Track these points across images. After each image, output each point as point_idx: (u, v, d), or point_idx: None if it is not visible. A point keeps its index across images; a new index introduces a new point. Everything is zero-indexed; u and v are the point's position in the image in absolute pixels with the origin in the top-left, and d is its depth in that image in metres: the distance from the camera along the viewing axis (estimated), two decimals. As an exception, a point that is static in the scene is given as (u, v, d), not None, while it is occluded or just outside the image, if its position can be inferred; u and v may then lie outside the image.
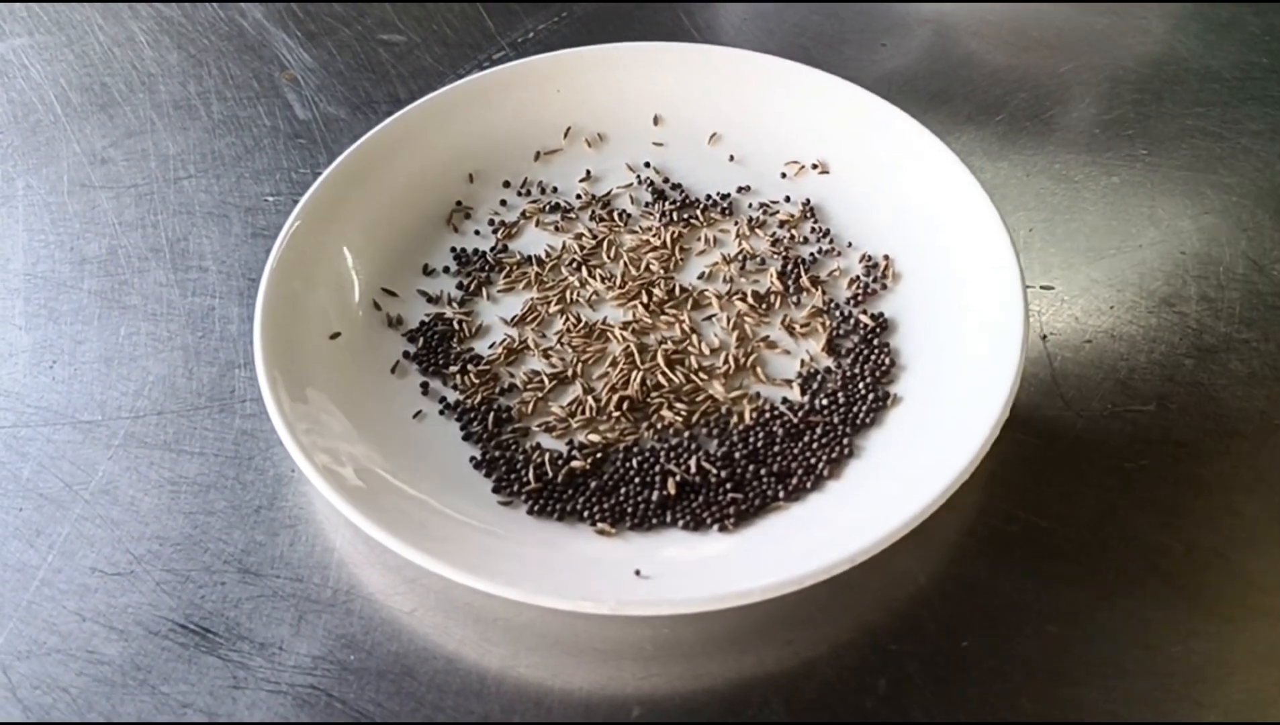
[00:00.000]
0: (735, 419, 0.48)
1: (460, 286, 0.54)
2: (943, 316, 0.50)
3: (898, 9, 0.68)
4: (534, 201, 0.57)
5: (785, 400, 0.49)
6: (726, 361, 0.50)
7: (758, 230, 0.55)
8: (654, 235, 0.55)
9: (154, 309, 0.54)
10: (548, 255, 0.55)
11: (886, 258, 0.53)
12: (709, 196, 0.57)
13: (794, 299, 0.53)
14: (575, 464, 0.46)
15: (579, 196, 0.57)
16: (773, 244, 0.55)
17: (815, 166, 0.57)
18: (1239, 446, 0.48)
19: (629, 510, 0.45)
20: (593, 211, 0.57)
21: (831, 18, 0.68)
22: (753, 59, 0.59)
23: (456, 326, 0.52)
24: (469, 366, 0.50)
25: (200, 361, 0.52)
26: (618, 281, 0.53)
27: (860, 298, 0.52)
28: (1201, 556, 0.44)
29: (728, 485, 0.45)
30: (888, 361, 0.49)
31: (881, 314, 0.51)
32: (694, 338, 0.51)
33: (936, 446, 0.44)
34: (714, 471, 0.46)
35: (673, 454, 0.47)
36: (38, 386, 0.51)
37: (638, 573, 0.42)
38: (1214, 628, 0.42)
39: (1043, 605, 0.43)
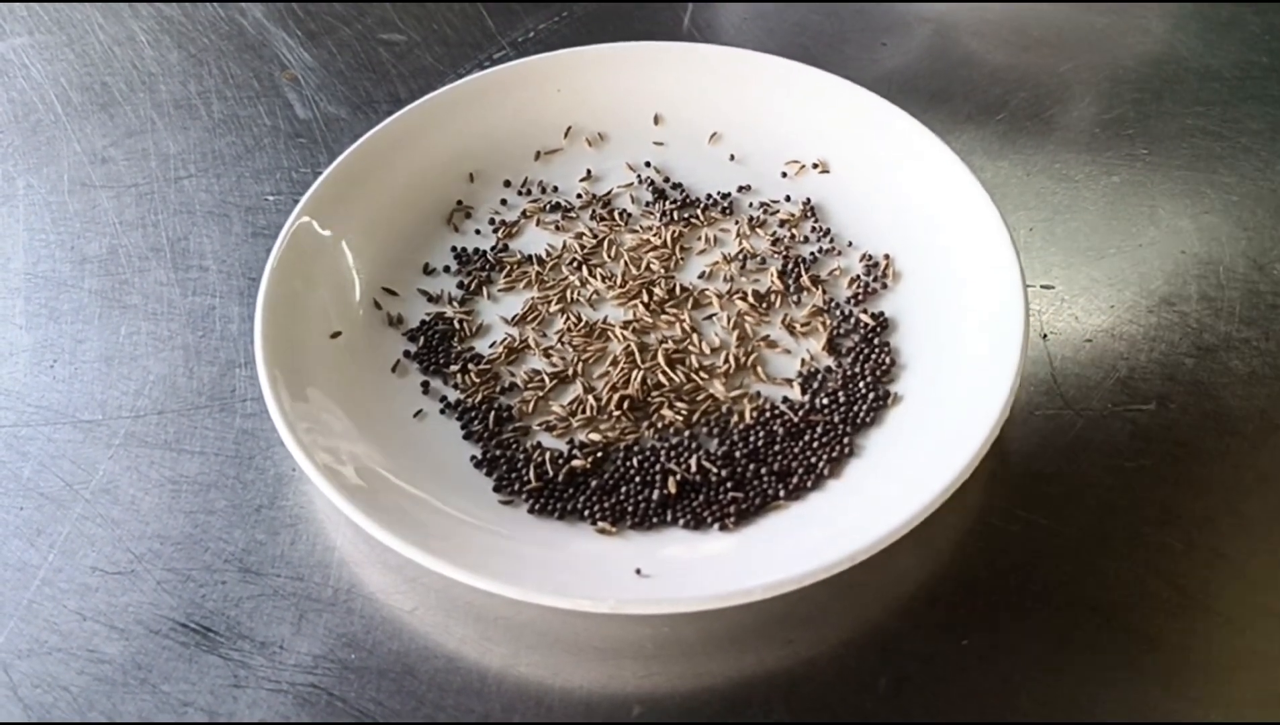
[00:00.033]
0: (736, 418, 0.48)
1: (461, 286, 0.54)
2: (943, 316, 0.50)
3: (898, 8, 0.68)
4: (534, 201, 0.57)
5: (786, 399, 0.49)
6: (727, 361, 0.50)
7: (758, 229, 0.55)
8: (654, 234, 0.55)
9: (154, 308, 0.54)
10: (548, 254, 0.55)
11: (887, 257, 0.53)
12: (709, 196, 0.57)
13: (794, 298, 0.53)
14: (576, 463, 0.46)
15: (579, 196, 0.57)
16: (773, 243, 0.55)
17: (815, 166, 0.57)
18: (1239, 446, 0.48)
19: (629, 509, 0.45)
20: (593, 211, 0.57)
21: (831, 17, 0.68)
22: (753, 58, 0.59)
23: (457, 326, 0.52)
24: (470, 365, 0.50)
25: (201, 361, 0.52)
26: (618, 281, 0.53)
27: (860, 297, 0.52)
28: (1202, 555, 0.44)
29: (728, 484, 0.45)
30: (888, 361, 0.49)
31: (882, 313, 0.51)
32: (694, 337, 0.51)
33: (937, 445, 0.44)
34: (714, 470, 0.46)
35: (673, 453, 0.47)
36: (38, 386, 0.51)
37: (638, 571, 0.42)
38: (1214, 627, 0.42)
39: (1043, 605, 0.43)
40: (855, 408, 0.48)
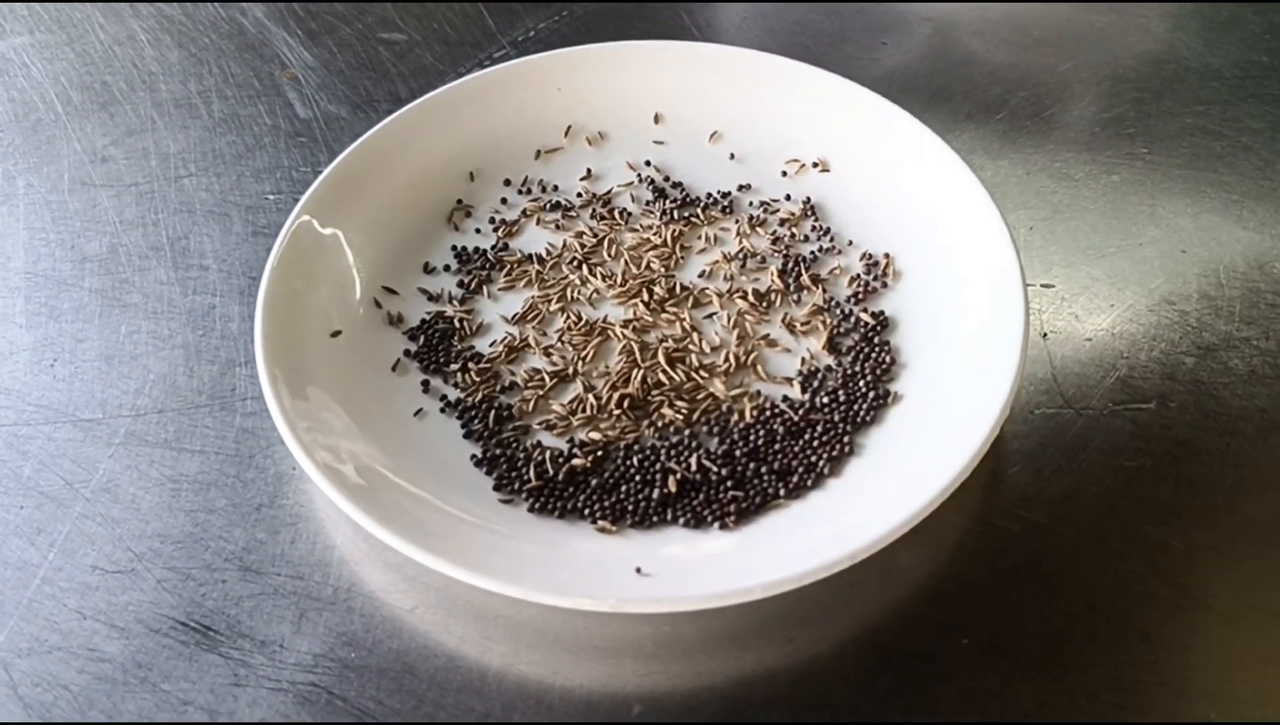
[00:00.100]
0: (736, 417, 0.48)
1: (461, 284, 0.54)
2: (943, 315, 0.50)
3: (898, 8, 0.68)
4: (535, 200, 0.57)
5: (786, 398, 0.49)
6: (727, 359, 0.50)
7: (758, 228, 0.55)
8: (654, 233, 0.55)
9: (155, 307, 0.54)
10: (548, 253, 0.55)
11: (887, 256, 0.53)
12: (709, 195, 0.57)
13: (794, 297, 0.53)
14: (576, 462, 0.46)
15: (579, 195, 0.57)
16: (773, 242, 0.55)
17: (816, 165, 0.57)
18: (1239, 445, 0.48)
19: (630, 508, 0.45)
20: (593, 210, 0.57)
21: (831, 16, 0.68)
22: (753, 57, 0.59)
23: (457, 324, 0.52)
24: (470, 364, 0.50)
25: (201, 360, 0.52)
26: (618, 280, 0.53)
27: (861, 296, 0.52)
28: (1201, 555, 0.44)
29: (728, 483, 0.45)
30: (888, 359, 0.49)
31: (882, 312, 0.51)
32: (695, 336, 0.51)
33: (937, 444, 0.44)
34: (715, 469, 0.46)
35: (673, 452, 0.47)
36: (38, 384, 0.51)
37: (638, 570, 0.42)
38: (1214, 626, 0.42)
39: (1043, 604, 0.43)
40: (855, 406, 0.48)
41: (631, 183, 0.58)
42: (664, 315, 0.52)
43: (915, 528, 0.41)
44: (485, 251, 0.55)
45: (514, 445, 0.48)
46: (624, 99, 0.59)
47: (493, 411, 0.49)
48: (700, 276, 0.54)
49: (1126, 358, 0.51)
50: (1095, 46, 0.65)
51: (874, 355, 0.49)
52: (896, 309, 0.51)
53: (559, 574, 0.42)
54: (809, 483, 0.45)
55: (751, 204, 0.57)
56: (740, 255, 0.54)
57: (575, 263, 0.54)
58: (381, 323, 0.52)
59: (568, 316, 0.52)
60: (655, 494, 0.45)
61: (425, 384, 0.50)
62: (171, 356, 0.52)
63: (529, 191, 0.58)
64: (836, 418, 0.47)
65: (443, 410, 0.49)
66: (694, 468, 0.46)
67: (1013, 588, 0.44)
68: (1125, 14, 0.67)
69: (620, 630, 0.43)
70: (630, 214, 0.56)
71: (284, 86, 0.64)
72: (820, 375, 0.49)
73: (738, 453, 0.47)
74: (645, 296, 0.53)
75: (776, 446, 0.47)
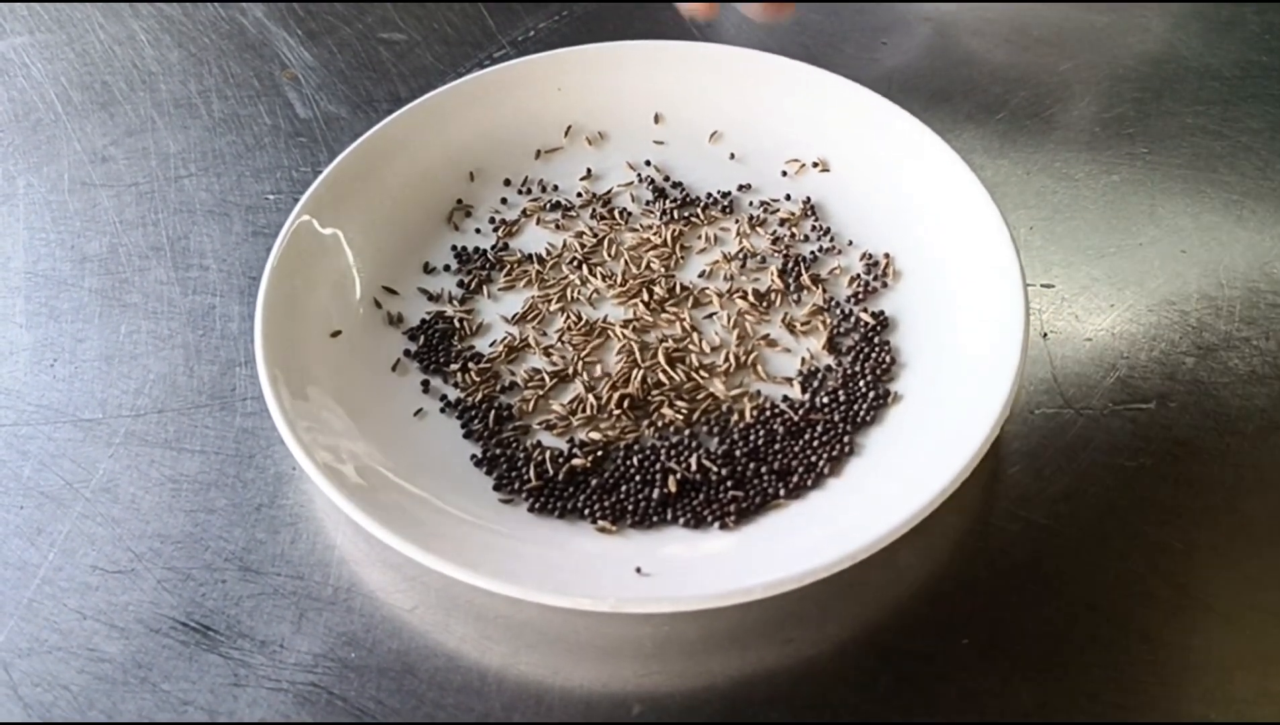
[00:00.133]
0: (736, 417, 0.48)
1: (461, 284, 0.54)
2: (943, 315, 0.50)
3: (898, 7, 0.68)
4: (534, 200, 0.57)
5: (786, 398, 0.49)
6: (727, 359, 0.50)
7: (758, 228, 0.55)
8: (654, 233, 0.55)
9: (155, 307, 0.54)
10: (548, 253, 0.55)
11: (887, 256, 0.53)
12: (709, 195, 0.57)
13: (794, 297, 0.53)
14: (576, 462, 0.46)
15: (579, 195, 0.57)
16: (773, 242, 0.55)
17: (816, 165, 0.57)
18: (1239, 445, 0.48)
19: (630, 508, 0.45)
20: (593, 210, 0.57)
21: (831, 16, 0.68)
22: (753, 57, 0.59)
23: (457, 324, 0.52)
24: (470, 364, 0.50)
25: (201, 359, 0.52)
26: (618, 279, 0.53)
27: (861, 296, 0.52)
28: (1201, 555, 0.44)
29: (728, 483, 0.45)
30: (888, 359, 0.49)
31: (882, 312, 0.51)
32: (695, 336, 0.51)
33: (937, 444, 0.44)
34: (715, 469, 0.46)
35: (673, 452, 0.47)
36: (38, 385, 0.51)
37: (638, 570, 0.42)
38: (1214, 626, 0.42)
39: (1043, 604, 0.43)
40: (855, 406, 0.48)
41: (631, 182, 0.58)
42: (664, 315, 0.52)
43: (915, 528, 0.41)
44: (485, 251, 0.55)
45: (514, 445, 0.48)
46: (624, 99, 0.59)
47: (493, 411, 0.49)
48: (700, 276, 0.54)
49: (1126, 358, 0.50)
50: (1095, 46, 0.65)
51: (874, 355, 0.49)
52: (896, 309, 0.51)
53: (559, 574, 0.42)
54: (809, 483, 0.45)
55: (751, 204, 0.57)
56: (740, 255, 0.54)
57: (575, 263, 0.54)
58: (381, 323, 0.52)
59: (568, 316, 0.52)
60: (655, 494, 0.45)
61: (425, 384, 0.50)
62: (171, 356, 0.52)
63: (529, 191, 0.58)
64: (836, 418, 0.47)
65: (443, 410, 0.49)
66: (694, 468, 0.46)
67: (1013, 588, 0.44)
68: (1125, 14, 0.67)
69: (620, 630, 0.43)
70: (630, 214, 0.56)
71: (284, 86, 0.64)
72: (820, 375, 0.49)
73: (738, 453, 0.47)
74: (645, 296, 0.53)
75: (776, 446, 0.47)
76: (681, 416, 0.48)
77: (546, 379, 0.50)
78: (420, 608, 0.44)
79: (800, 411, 0.48)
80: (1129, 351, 0.51)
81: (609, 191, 0.57)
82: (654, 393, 0.49)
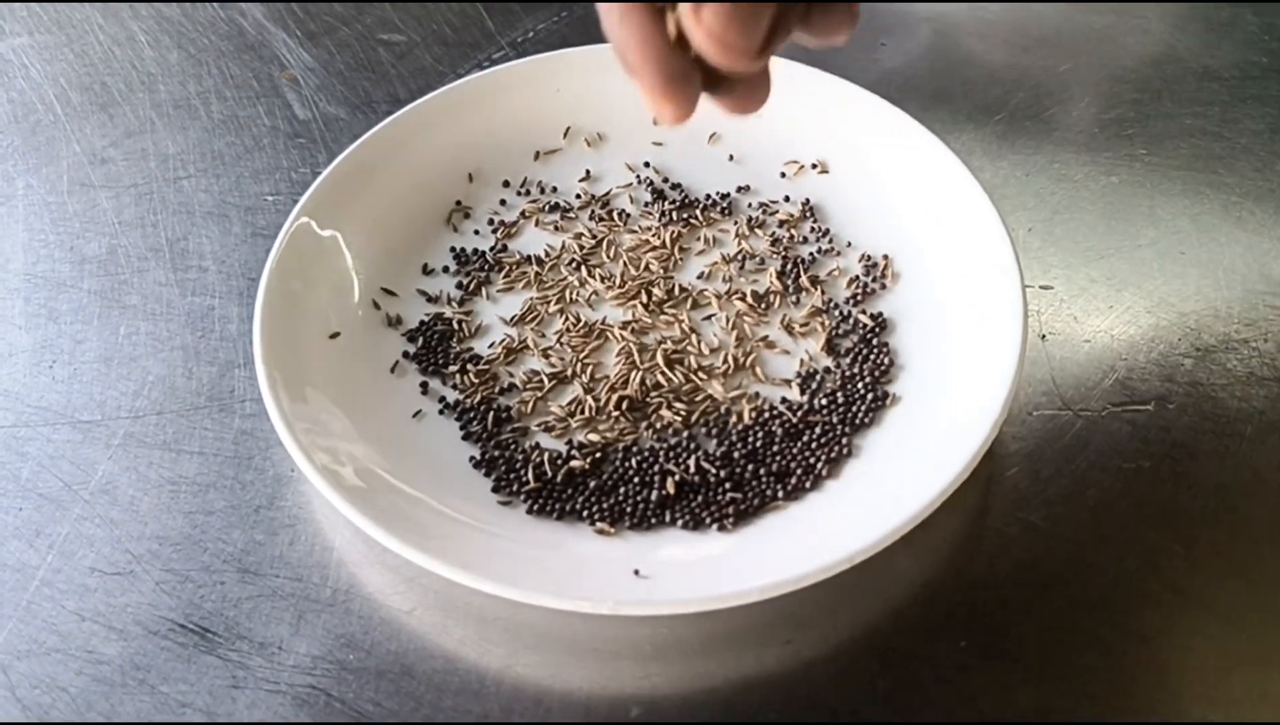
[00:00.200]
0: (734, 419, 0.48)
1: (460, 286, 0.54)
2: (942, 316, 0.50)
3: (897, 8, 0.68)
4: (533, 201, 0.57)
5: (784, 400, 0.49)
6: (725, 361, 0.50)
7: (757, 230, 0.55)
8: (653, 235, 0.55)
9: (153, 309, 0.54)
10: (547, 255, 0.55)
11: (885, 257, 0.53)
12: (708, 196, 0.57)
13: (793, 299, 0.53)
14: (574, 463, 0.46)
15: (578, 196, 0.57)
16: (772, 244, 0.55)
17: (815, 166, 0.57)
18: (1238, 446, 0.48)
19: (628, 510, 0.45)
20: (592, 211, 0.57)
21: (831, 17, 0.68)
22: (752, 59, 0.59)
23: (456, 326, 0.52)
24: (468, 366, 0.50)
25: (200, 361, 0.52)
26: (617, 281, 0.53)
27: (859, 297, 0.52)
28: (1200, 556, 0.44)
29: (727, 485, 0.45)
30: (886, 361, 0.49)
31: (880, 314, 0.51)
32: (693, 337, 0.51)
33: (935, 446, 0.44)
34: (713, 471, 0.46)
35: (672, 454, 0.47)
36: (37, 386, 0.51)
37: (637, 572, 0.42)
38: (1214, 627, 0.42)
39: (1041, 606, 0.43)
40: (854, 408, 0.48)
41: (630, 184, 0.58)
42: (663, 317, 0.52)
43: (913, 530, 0.41)
44: (484, 253, 0.55)
45: (512, 447, 0.48)
46: (623, 100, 0.59)
47: (491, 413, 0.49)
48: (699, 278, 0.54)
49: (1125, 359, 0.50)
50: (1095, 48, 0.65)
51: (872, 357, 0.49)
52: (895, 310, 0.51)
53: (557, 576, 0.42)
54: (807, 484, 0.45)
55: (750, 205, 0.57)
56: (739, 257, 0.54)
57: (574, 264, 0.54)
58: (380, 324, 0.52)
59: (566, 318, 0.52)
60: (653, 496, 0.45)
61: (424, 386, 0.50)
62: (170, 358, 0.52)
63: (528, 193, 0.58)
64: (835, 419, 0.47)
65: (441, 412, 0.49)
66: (692, 469, 0.46)
67: (1011, 589, 0.44)
68: (1125, 15, 0.67)
69: (619, 632, 0.43)
70: (629, 215, 0.56)
71: (283, 87, 0.64)
72: (819, 377, 0.49)
73: (736, 454, 0.47)
74: (644, 298, 0.53)
75: (775, 448, 0.47)
76: (680, 418, 0.48)
77: (545, 381, 0.50)
78: (419, 609, 0.44)
79: (799, 413, 0.48)
80: (1127, 353, 0.51)
81: (608, 193, 0.57)
82: (652, 394, 0.49)
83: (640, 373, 0.49)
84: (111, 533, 0.46)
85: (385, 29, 0.68)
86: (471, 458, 0.47)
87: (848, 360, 0.50)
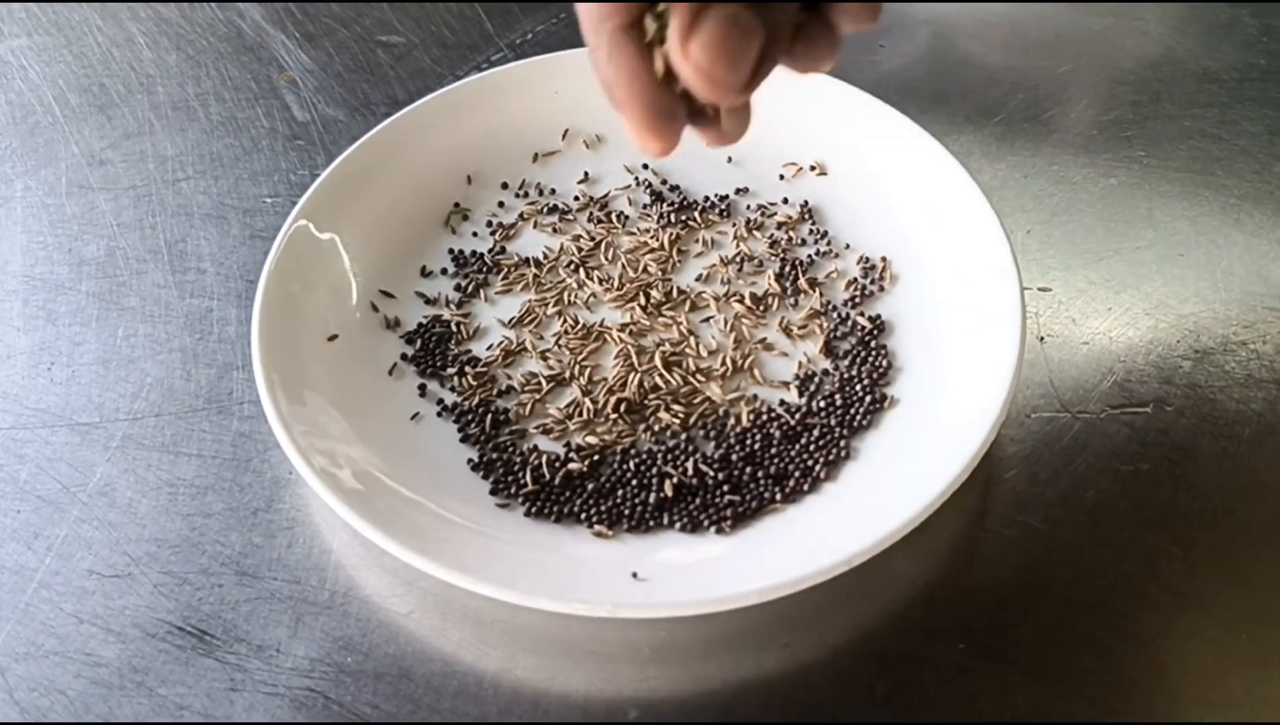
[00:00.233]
0: (732, 421, 0.48)
1: (458, 288, 0.54)
2: (940, 318, 0.50)
3: (896, 10, 0.68)
4: (532, 203, 0.57)
5: (782, 402, 0.49)
6: (724, 363, 0.50)
7: (755, 232, 0.55)
8: (652, 237, 0.55)
9: (152, 311, 0.54)
10: (545, 257, 0.55)
11: (884, 259, 0.53)
12: (707, 198, 0.57)
13: (791, 301, 0.53)
14: (573, 466, 0.46)
15: (577, 198, 0.57)
16: (770, 246, 0.55)
17: (813, 168, 0.57)
18: (1236, 449, 0.48)
19: (626, 512, 0.45)
20: (590, 213, 0.57)
21: (830, 19, 0.68)
22: (751, 60, 0.58)
23: (454, 328, 0.52)
24: (466, 368, 0.50)
25: (198, 363, 0.52)
26: (615, 283, 0.53)
27: (858, 299, 0.52)
28: (1199, 559, 0.44)
29: (725, 487, 0.45)
30: (885, 363, 0.49)
31: (879, 316, 0.51)
32: (691, 340, 0.51)
33: (934, 449, 0.44)
34: (711, 473, 0.46)
35: (670, 456, 0.47)
36: (35, 388, 0.51)
37: (635, 575, 0.42)
38: (1212, 629, 0.42)
39: (1039, 608, 0.43)
40: (852, 411, 0.48)
41: (629, 186, 0.58)
42: (661, 319, 0.52)
43: (912, 532, 0.41)
44: (482, 255, 0.55)
45: (510, 449, 0.48)
46: (621, 102, 0.59)
47: (489, 415, 0.49)
48: (697, 280, 0.54)
49: (1124, 361, 0.50)
50: (1093, 49, 0.65)
51: (871, 359, 0.49)
52: (893, 313, 0.51)
53: (555, 578, 0.42)
54: (805, 487, 0.45)
55: (749, 207, 0.57)
56: (737, 259, 0.54)
57: (572, 266, 0.54)
58: (378, 326, 0.52)
59: (564, 320, 0.52)
60: (651, 498, 0.45)
61: (422, 388, 0.50)
62: (169, 360, 0.52)
63: (526, 195, 0.58)
64: (833, 422, 0.47)
65: (439, 414, 0.49)
66: (690, 472, 0.46)
67: (1009, 592, 0.44)
68: (1123, 17, 0.67)
69: (616, 635, 0.43)
70: (627, 217, 0.56)
71: (282, 89, 0.64)
72: (817, 379, 0.49)
73: (734, 457, 0.47)
74: (642, 300, 0.53)
75: (773, 451, 0.47)
76: (678, 420, 0.48)
77: (543, 383, 0.50)
78: (417, 612, 0.44)
79: (797, 416, 0.48)
80: (1126, 355, 0.51)
81: (606, 195, 0.57)
82: (650, 397, 0.49)
83: (638, 375, 0.49)
84: (110, 535, 0.46)
85: (384, 31, 0.68)
86: (469, 460, 0.47)
87: (846, 362, 0.50)
